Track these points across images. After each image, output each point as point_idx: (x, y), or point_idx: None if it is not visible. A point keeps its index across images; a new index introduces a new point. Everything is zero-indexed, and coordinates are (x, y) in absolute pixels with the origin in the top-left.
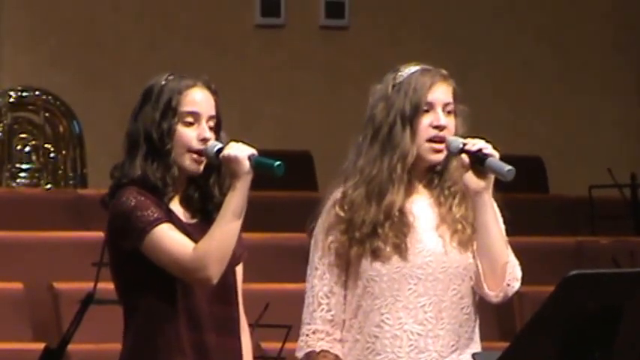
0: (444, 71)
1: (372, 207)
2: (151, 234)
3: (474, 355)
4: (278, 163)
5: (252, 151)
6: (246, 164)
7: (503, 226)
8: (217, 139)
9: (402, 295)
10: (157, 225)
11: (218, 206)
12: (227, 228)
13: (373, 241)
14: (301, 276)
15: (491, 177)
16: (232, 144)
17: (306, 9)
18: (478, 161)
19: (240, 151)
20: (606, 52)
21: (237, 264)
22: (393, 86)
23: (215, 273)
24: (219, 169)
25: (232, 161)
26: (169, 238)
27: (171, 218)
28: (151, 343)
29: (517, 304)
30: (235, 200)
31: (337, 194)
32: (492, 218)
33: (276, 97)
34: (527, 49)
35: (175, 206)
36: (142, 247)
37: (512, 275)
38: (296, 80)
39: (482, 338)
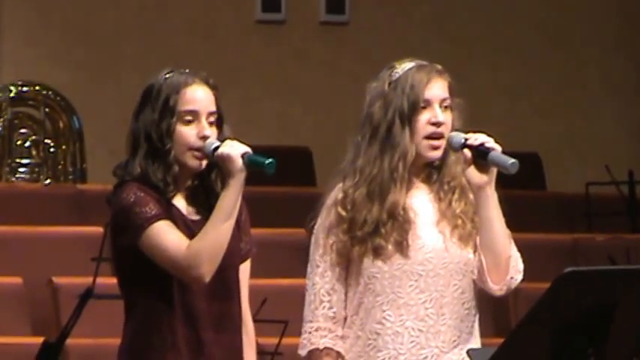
0: (439, 66)
1: (374, 206)
2: (148, 230)
3: (468, 352)
4: (269, 161)
5: (246, 149)
6: (239, 162)
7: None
8: (220, 133)
9: (404, 291)
10: (154, 222)
11: None
12: (220, 226)
13: (375, 239)
14: (299, 272)
15: (494, 171)
16: (227, 142)
17: (306, 4)
18: (480, 155)
19: (234, 150)
20: (606, 48)
21: (244, 261)
22: (389, 84)
23: (207, 271)
24: (215, 161)
25: (226, 159)
26: (165, 235)
27: (171, 215)
28: (146, 339)
29: (512, 301)
30: (228, 198)
31: (338, 193)
32: (495, 212)
33: (276, 92)
34: (527, 45)
35: (179, 202)
36: (140, 244)
37: (515, 268)
38: (296, 76)
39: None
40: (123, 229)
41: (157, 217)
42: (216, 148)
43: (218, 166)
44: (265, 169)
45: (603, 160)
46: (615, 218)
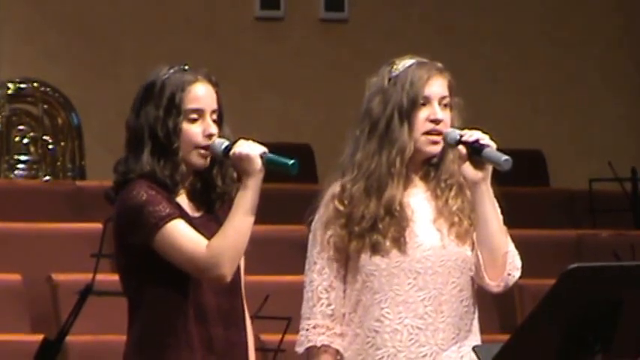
0: (439, 64)
1: (371, 201)
2: (163, 230)
3: (474, 348)
4: (292, 161)
5: (264, 149)
6: (259, 162)
7: (501, 217)
8: (220, 131)
9: (402, 289)
10: (169, 221)
11: (220, 196)
12: (240, 226)
13: (372, 235)
14: (301, 268)
15: (489, 168)
16: (242, 142)
17: (305, 2)
18: (475, 152)
19: (252, 150)
20: (609, 45)
21: None
22: (389, 79)
23: (229, 271)
24: (221, 160)
25: (244, 159)
26: (182, 234)
27: (181, 213)
28: (160, 339)
29: (518, 297)
30: (248, 198)
31: (336, 188)
32: (491, 209)
33: (276, 89)
34: (529, 42)
35: (182, 200)
36: (153, 243)
37: (512, 265)
38: (295, 73)
39: (483, 331)
40: (134, 227)
41: (171, 217)
42: (227, 146)
43: (222, 163)
44: (289, 170)
45: (606, 157)
46: (619, 214)
